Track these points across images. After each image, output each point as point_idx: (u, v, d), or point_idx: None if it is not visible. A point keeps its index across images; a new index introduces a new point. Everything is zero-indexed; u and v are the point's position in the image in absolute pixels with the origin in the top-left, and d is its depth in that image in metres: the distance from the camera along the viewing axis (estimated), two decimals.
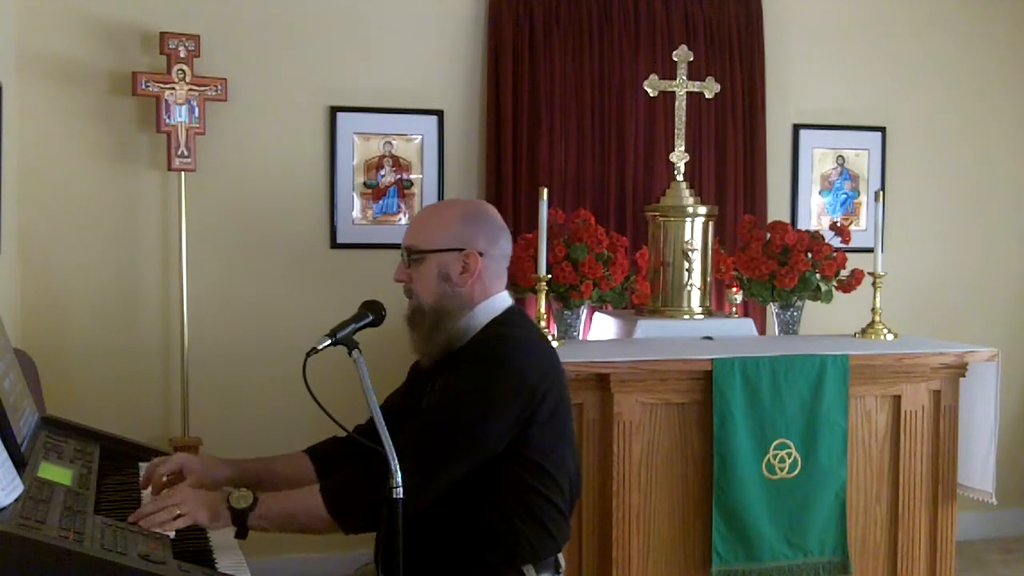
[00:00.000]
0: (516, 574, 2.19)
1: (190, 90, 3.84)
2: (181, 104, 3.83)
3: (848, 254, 4.07)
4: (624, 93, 4.31)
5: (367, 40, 4.17)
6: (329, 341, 2.05)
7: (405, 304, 2.28)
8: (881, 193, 3.90)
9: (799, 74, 4.61)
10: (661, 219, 3.99)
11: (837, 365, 3.42)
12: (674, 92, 4.08)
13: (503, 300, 2.29)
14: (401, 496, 1.86)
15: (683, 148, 4.07)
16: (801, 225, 4.57)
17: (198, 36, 3.87)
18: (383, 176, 4.21)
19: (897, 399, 3.53)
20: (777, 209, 4.56)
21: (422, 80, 4.23)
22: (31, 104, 3.81)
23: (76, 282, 3.91)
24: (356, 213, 4.19)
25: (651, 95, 4.09)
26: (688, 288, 3.96)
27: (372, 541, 2.22)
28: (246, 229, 4.07)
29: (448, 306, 2.21)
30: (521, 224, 4.13)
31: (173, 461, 2.25)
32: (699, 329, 3.88)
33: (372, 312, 2.15)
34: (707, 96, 4.13)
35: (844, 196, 4.70)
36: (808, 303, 4.11)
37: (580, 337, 3.96)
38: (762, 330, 4.31)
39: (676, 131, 4.08)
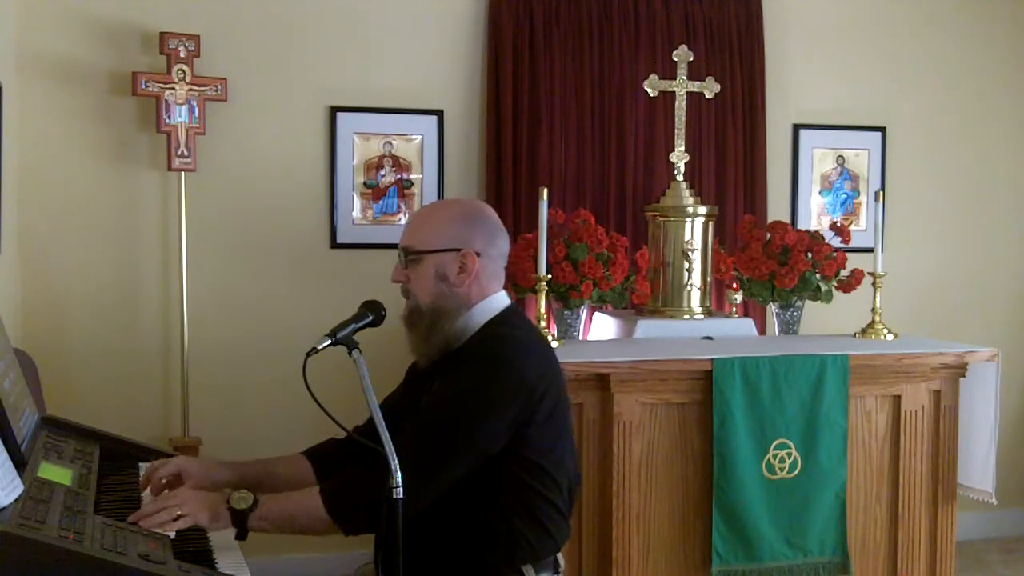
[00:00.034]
0: (515, 574, 2.19)
1: (190, 90, 3.84)
2: (181, 104, 3.83)
3: (848, 254, 4.07)
4: (624, 93, 4.31)
5: (367, 40, 4.17)
6: (329, 341, 2.05)
7: (403, 304, 2.28)
8: (881, 193, 3.90)
9: (799, 74, 4.61)
10: (661, 219, 3.99)
11: (837, 365, 3.42)
12: (674, 92, 4.08)
13: (500, 300, 2.28)
14: (401, 496, 1.86)
15: (683, 148, 4.07)
16: (801, 225, 4.57)
17: (198, 36, 3.87)
18: (383, 176, 4.21)
19: (897, 399, 3.53)
20: (777, 209, 4.56)
21: (422, 80, 4.23)
22: (31, 104, 3.81)
23: (76, 282, 3.91)
24: (356, 213, 4.19)
25: (651, 95, 4.09)
26: (688, 288, 3.96)
27: (372, 541, 2.22)
28: (246, 229, 4.07)
29: (445, 306, 2.21)
30: (521, 224, 4.14)
31: (172, 465, 2.24)
32: (699, 329, 3.88)
33: (372, 312, 2.15)
34: (707, 96, 4.13)
35: (844, 196, 4.70)
36: (808, 303, 4.11)
37: (580, 337, 3.96)
38: (762, 330, 4.31)
39: (676, 131, 4.08)
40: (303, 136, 4.13)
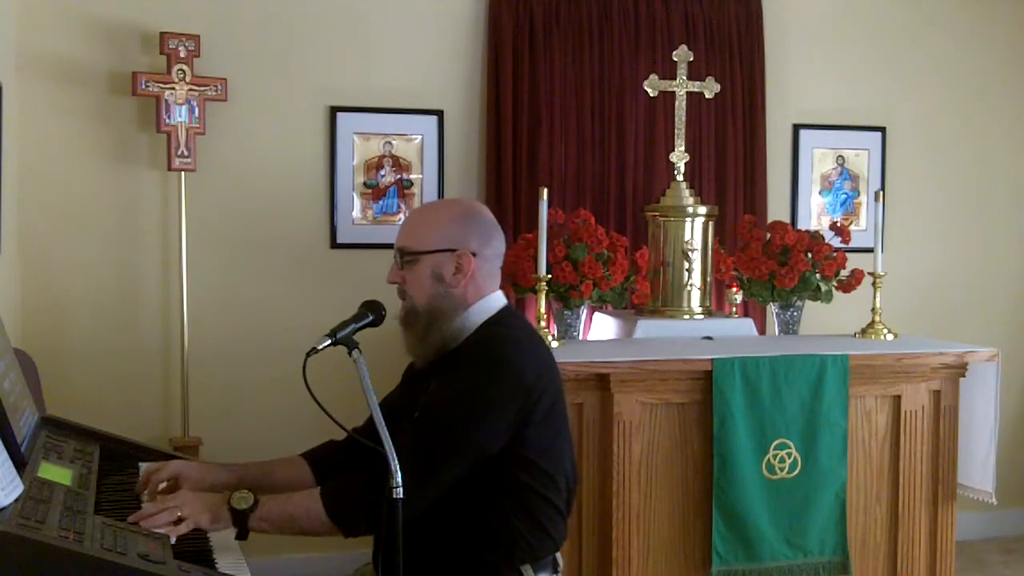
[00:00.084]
0: (514, 573, 2.19)
1: (190, 90, 3.84)
2: (181, 104, 3.83)
3: (848, 254, 4.07)
4: (624, 93, 4.31)
5: (367, 40, 4.17)
6: (329, 341, 2.04)
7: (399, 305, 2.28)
8: (881, 193, 3.90)
9: (799, 74, 4.61)
10: (661, 219, 3.99)
11: (837, 365, 3.42)
12: (674, 92, 4.08)
13: (497, 300, 2.28)
14: (401, 496, 1.86)
15: (683, 148, 4.07)
16: (801, 225, 4.57)
17: (198, 36, 3.87)
18: (383, 176, 4.21)
19: (897, 399, 3.53)
20: (777, 209, 4.56)
21: (422, 80, 4.23)
22: (31, 104, 3.81)
23: (76, 282, 3.91)
24: (356, 213, 4.19)
25: (651, 95, 4.09)
26: (688, 288, 3.96)
27: (371, 541, 2.22)
28: (246, 229, 4.08)
29: (442, 307, 2.21)
30: (521, 224, 4.14)
31: (169, 469, 2.23)
32: (699, 329, 3.87)
33: (372, 312, 2.15)
34: (707, 96, 4.13)
35: (844, 196, 4.70)
36: (808, 303, 4.11)
37: (580, 337, 3.96)
38: (762, 330, 4.31)
39: (676, 131, 4.08)
40: (303, 136, 4.13)
